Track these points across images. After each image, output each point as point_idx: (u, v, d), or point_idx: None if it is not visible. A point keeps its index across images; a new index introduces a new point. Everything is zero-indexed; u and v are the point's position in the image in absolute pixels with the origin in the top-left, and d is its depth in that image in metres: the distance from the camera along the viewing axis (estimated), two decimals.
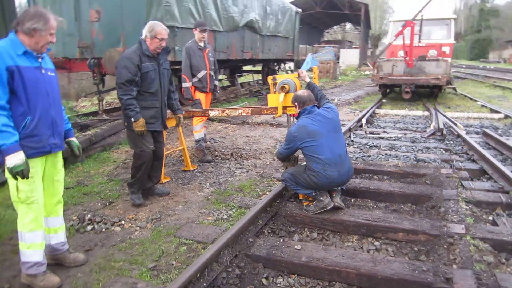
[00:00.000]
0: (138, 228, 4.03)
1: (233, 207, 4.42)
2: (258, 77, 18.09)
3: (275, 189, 4.46)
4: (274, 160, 6.24)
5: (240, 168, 5.86)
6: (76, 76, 10.90)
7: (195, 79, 6.25)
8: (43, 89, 2.93)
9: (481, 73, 27.52)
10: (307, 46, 36.94)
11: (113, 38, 8.77)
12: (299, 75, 4.79)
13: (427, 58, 13.13)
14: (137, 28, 8.40)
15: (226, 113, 5.31)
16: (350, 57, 37.45)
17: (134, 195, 4.61)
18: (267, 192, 4.83)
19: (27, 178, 2.79)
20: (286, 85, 4.58)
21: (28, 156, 2.85)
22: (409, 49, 12.42)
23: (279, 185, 4.62)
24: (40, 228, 3.02)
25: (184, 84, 6.21)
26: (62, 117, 3.17)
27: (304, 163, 5.21)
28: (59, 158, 3.21)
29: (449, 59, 13.85)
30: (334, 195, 4.14)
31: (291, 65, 21.91)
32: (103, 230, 4.02)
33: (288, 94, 4.65)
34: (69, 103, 13.13)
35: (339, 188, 4.28)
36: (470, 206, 4.27)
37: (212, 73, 6.42)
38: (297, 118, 4.21)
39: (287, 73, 17.73)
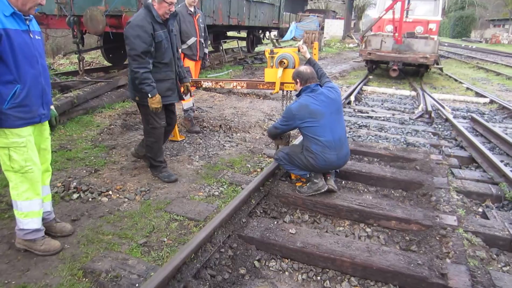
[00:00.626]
0: (126, 200, 3.92)
1: (224, 183, 4.34)
2: (243, 43, 17.67)
3: (268, 167, 4.38)
4: (264, 135, 6.14)
5: (229, 141, 5.75)
6: (51, 33, 10.36)
7: (184, 46, 5.97)
8: (32, 56, 2.73)
9: (464, 52, 27.79)
10: (290, 14, 36.17)
11: None
12: (299, 49, 4.60)
13: (415, 35, 13.03)
14: None
15: (220, 85, 5.12)
16: (334, 28, 36.88)
17: (164, 173, 4.36)
18: (258, 169, 4.77)
19: None
20: (284, 60, 4.38)
21: (17, 126, 2.72)
22: (399, 24, 12.13)
23: (271, 163, 4.54)
24: (37, 196, 2.94)
25: None
26: (49, 85, 3.00)
27: (297, 141, 5.16)
28: (45, 126, 3.07)
29: (436, 37, 13.78)
30: (328, 177, 4.10)
31: (275, 33, 21.41)
32: (90, 199, 3.90)
33: (287, 69, 4.46)
34: (46, 61, 12.55)
35: (333, 170, 4.24)
36: (461, 197, 4.31)
37: (202, 41, 6.15)
38: (297, 95, 4.08)
39: (273, 42, 17.35)
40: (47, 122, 3.06)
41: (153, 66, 3.96)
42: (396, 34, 12.15)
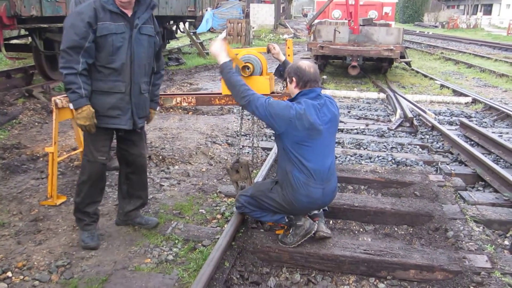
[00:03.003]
0: (37, 282, 3.44)
1: (176, 240, 4.03)
2: None
3: (236, 214, 4.16)
4: (211, 165, 5.92)
5: (167, 178, 5.44)
6: None
7: None
8: None
9: (422, 40, 29.69)
10: None
11: None
12: (268, 50, 4.43)
13: (374, 22, 13.52)
14: None
15: (157, 102, 4.74)
16: (262, 14, 37.58)
17: (85, 232, 3.93)
18: (218, 216, 4.54)
19: None
20: (249, 64, 4.15)
21: None
22: (354, 10, 12.53)
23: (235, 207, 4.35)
24: None
25: None
26: None
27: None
28: None
29: (394, 23, 14.43)
30: (317, 221, 3.96)
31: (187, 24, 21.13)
32: None
33: (252, 77, 4.20)
34: None
35: (321, 210, 4.10)
36: (482, 228, 4.40)
37: None
38: (292, 100, 3.78)
39: (190, 36, 17.21)
40: None
41: (97, 72, 3.64)
42: (352, 22, 12.49)
